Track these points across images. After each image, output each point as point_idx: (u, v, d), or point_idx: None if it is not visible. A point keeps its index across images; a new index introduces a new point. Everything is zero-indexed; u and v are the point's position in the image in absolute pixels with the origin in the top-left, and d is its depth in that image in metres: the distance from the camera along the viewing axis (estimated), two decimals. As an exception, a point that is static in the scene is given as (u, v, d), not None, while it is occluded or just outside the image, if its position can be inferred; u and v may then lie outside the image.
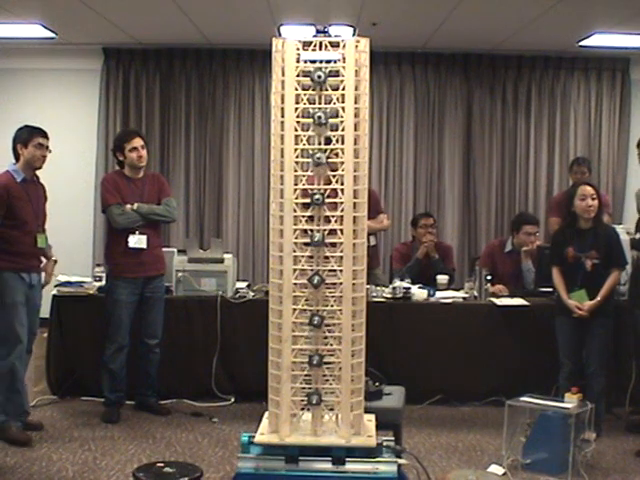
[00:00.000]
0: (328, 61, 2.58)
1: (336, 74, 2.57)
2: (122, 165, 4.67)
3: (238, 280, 5.38)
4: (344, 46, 2.56)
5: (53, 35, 6.78)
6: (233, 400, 4.90)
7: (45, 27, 6.55)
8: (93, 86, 7.37)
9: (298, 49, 2.57)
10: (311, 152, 2.59)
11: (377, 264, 5.84)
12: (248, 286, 5.22)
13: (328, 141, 2.60)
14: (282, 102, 2.59)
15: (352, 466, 2.58)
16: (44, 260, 4.35)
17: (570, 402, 3.79)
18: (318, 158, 2.56)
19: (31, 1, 5.85)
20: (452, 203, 7.47)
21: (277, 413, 2.64)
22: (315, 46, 2.57)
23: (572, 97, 7.44)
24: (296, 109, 2.58)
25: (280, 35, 6.49)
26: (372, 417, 2.81)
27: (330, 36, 2.59)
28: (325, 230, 2.59)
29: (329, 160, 2.60)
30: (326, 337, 2.63)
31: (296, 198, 2.59)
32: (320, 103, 2.58)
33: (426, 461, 3.59)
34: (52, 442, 4.10)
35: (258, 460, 2.62)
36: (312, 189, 2.59)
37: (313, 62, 2.58)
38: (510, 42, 6.89)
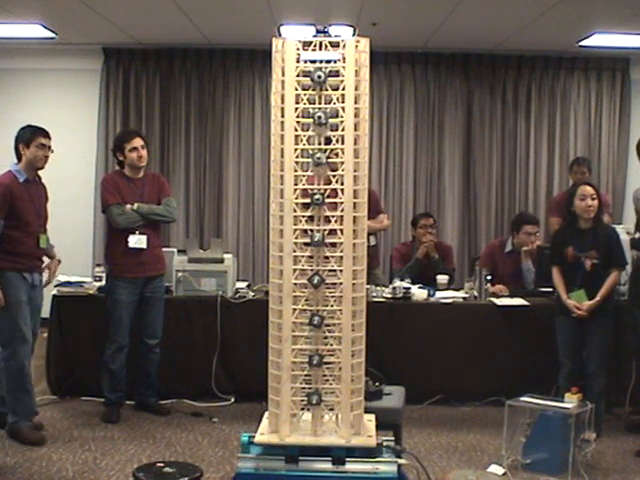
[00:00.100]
0: (328, 61, 2.58)
1: (336, 74, 2.57)
2: (122, 165, 4.67)
3: (238, 280, 5.38)
4: (344, 46, 2.56)
5: (53, 35, 6.78)
6: (233, 400, 4.90)
7: (45, 27, 6.55)
8: (93, 86, 7.37)
9: (298, 49, 2.57)
10: (311, 152, 2.59)
11: (377, 264, 5.85)
12: (248, 286, 5.22)
13: (328, 141, 2.60)
14: (282, 102, 2.59)
15: (352, 466, 2.58)
16: (47, 260, 4.35)
17: (570, 402, 3.79)
18: (318, 158, 2.57)
19: (31, 1, 5.85)
20: (452, 203, 7.47)
21: (277, 413, 2.64)
22: (315, 46, 2.57)
23: (572, 97, 7.43)
24: (296, 109, 2.58)
25: (280, 35, 6.49)
26: (372, 417, 2.81)
27: (330, 36, 2.59)
28: (325, 230, 2.59)
29: (329, 160, 2.60)
30: (326, 337, 2.63)
31: (296, 198, 2.59)
32: (320, 103, 2.58)
33: (426, 461, 3.59)
34: (52, 442, 4.09)
35: (258, 460, 2.62)
36: (312, 189, 2.59)
37: (313, 62, 2.58)
38: (510, 42, 6.89)
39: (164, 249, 4.90)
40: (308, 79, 2.57)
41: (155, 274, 4.67)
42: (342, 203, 2.58)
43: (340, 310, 2.60)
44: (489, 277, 5.11)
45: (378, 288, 5.04)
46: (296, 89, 2.57)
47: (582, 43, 6.85)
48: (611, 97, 7.44)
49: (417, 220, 5.84)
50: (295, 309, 2.60)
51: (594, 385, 4.24)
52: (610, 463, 3.93)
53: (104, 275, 4.91)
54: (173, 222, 5.16)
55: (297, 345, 2.62)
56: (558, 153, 7.45)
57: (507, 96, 7.44)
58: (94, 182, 7.16)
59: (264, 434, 2.67)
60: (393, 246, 6.77)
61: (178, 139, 7.41)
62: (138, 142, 4.60)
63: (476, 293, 5.13)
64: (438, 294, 5.08)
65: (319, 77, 2.55)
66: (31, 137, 4.11)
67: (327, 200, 2.59)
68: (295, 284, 2.60)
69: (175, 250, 5.16)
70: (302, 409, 2.68)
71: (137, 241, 4.53)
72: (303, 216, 2.60)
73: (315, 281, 2.57)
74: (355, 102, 2.57)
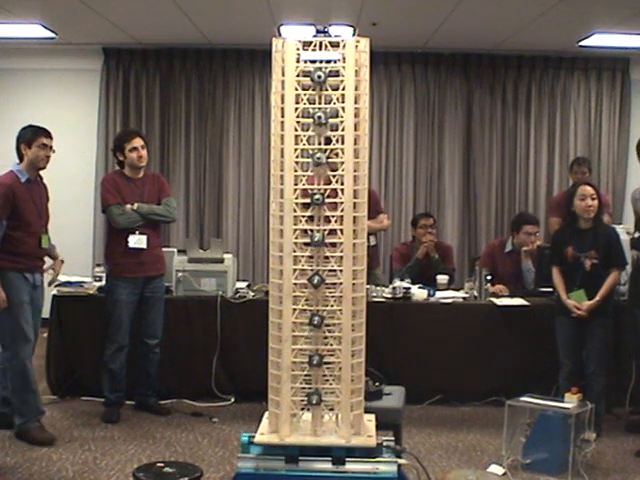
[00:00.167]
0: (328, 61, 2.58)
1: (336, 74, 2.57)
2: (122, 165, 4.67)
3: (238, 280, 5.38)
4: (344, 46, 2.56)
5: (53, 35, 6.78)
6: (233, 400, 4.90)
7: (45, 27, 6.56)
8: (93, 86, 7.38)
9: (298, 49, 2.57)
10: (311, 152, 2.59)
11: (377, 264, 5.85)
12: (248, 286, 5.22)
13: (328, 141, 2.60)
14: (282, 102, 2.59)
15: (352, 466, 2.58)
16: (49, 260, 4.35)
17: (570, 402, 3.79)
18: (318, 158, 2.57)
19: (31, 1, 5.85)
20: (452, 203, 7.47)
21: (277, 413, 2.64)
22: (315, 46, 2.57)
23: (572, 97, 7.44)
24: (296, 109, 2.58)
25: (280, 35, 6.49)
26: (372, 417, 2.81)
27: (330, 36, 2.59)
28: (325, 230, 2.59)
29: (329, 160, 2.60)
30: (326, 337, 2.63)
31: (296, 198, 2.59)
32: (320, 103, 2.58)
33: (426, 461, 3.59)
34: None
35: (258, 460, 2.62)
36: (312, 189, 2.59)
37: (313, 62, 2.58)
38: (510, 42, 6.89)
39: (164, 249, 4.90)
40: (308, 79, 2.57)
41: (155, 274, 4.67)
42: (342, 203, 2.58)
43: (340, 310, 2.60)
44: (489, 277, 5.11)
45: (378, 288, 5.04)
46: (296, 89, 2.57)
47: (582, 43, 6.85)
48: (611, 97, 7.44)
49: (417, 220, 5.84)
50: (295, 309, 2.60)
51: (594, 385, 4.24)
52: (610, 463, 3.93)
53: (104, 275, 4.91)
54: (173, 222, 5.16)
55: (297, 345, 2.62)
56: (558, 153, 7.45)
57: (507, 96, 7.44)
58: (94, 182, 7.17)
59: (264, 434, 2.67)
60: (393, 246, 6.78)
61: (178, 139, 7.42)
62: (138, 142, 4.60)
63: (476, 293, 5.13)
64: (438, 294, 5.08)
65: (319, 77, 2.55)
66: (33, 137, 4.09)
67: (327, 200, 2.59)
68: (295, 284, 2.60)
69: (175, 250, 5.16)
70: (302, 409, 2.68)
71: (137, 241, 4.52)
72: (303, 216, 2.60)
73: (315, 281, 2.57)
74: (355, 102, 2.57)
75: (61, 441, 4.12)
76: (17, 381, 4.04)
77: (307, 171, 2.60)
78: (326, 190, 2.60)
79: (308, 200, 2.58)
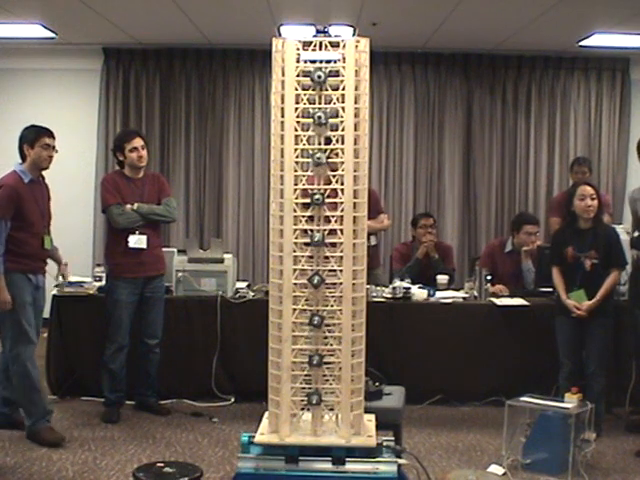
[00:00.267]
0: (328, 61, 2.58)
1: (336, 74, 2.57)
2: (122, 165, 4.67)
3: (238, 280, 5.38)
4: (344, 46, 2.56)
5: (53, 35, 6.78)
6: (233, 400, 4.90)
7: (45, 27, 6.56)
8: (93, 86, 7.37)
9: (298, 49, 2.57)
10: (311, 152, 2.59)
11: (377, 264, 5.84)
12: (248, 286, 5.22)
13: (328, 141, 2.60)
14: (282, 102, 2.59)
15: (352, 466, 2.58)
16: (53, 265, 4.34)
17: (570, 402, 3.79)
18: (318, 158, 2.57)
19: (31, 1, 5.85)
20: (452, 203, 7.47)
21: (277, 413, 2.64)
22: (315, 46, 2.57)
23: (572, 97, 7.44)
24: (296, 109, 2.58)
25: (280, 35, 6.49)
26: (372, 417, 2.81)
27: (330, 36, 2.59)
28: (325, 230, 2.59)
29: (329, 160, 2.60)
30: (326, 337, 2.63)
31: (296, 198, 2.59)
32: (320, 103, 2.58)
33: (426, 461, 3.59)
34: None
35: (258, 460, 2.62)
36: (312, 189, 2.59)
37: (313, 62, 2.58)
38: (510, 42, 6.89)
39: (164, 249, 4.90)
40: (308, 79, 2.57)
41: (155, 274, 4.67)
42: (342, 203, 2.58)
43: (340, 310, 2.60)
44: (489, 277, 5.11)
45: (378, 288, 5.04)
46: (296, 89, 2.57)
47: (582, 43, 6.85)
48: (611, 97, 7.44)
49: (417, 220, 5.84)
50: (295, 309, 2.60)
51: (594, 385, 4.23)
52: (610, 463, 3.93)
53: (104, 275, 4.91)
54: (173, 222, 5.16)
55: (297, 345, 2.62)
56: (558, 153, 7.45)
57: (507, 96, 7.44)
58: (94, 182, 7.17)
59: (264, 434, 2.67)
60: (393, 246, 6.78)
61: (178, 139, 7.41)
62: (138, 142, 4.60)
63: (476, 293, 5.12)
64: (438, 294, 5.08)
65: (319, 77, 2.55)
66: (35, 137, 4.08)
67: (327, 200, 2.59)
68: (295, 284, 2.60)
69: (175, 250, 5.16)
70: (302, 409, 2.68)
71: (137, 241, 4.52)
72: (303, 216, 2.60)
73: (315, 281, 2.57)
74: (355, 102, 2.57)
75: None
76: (21, 382, 4.04)
77: (307, 171, 2.61)
78: (326, 190, 2.60)
79: (308, 200, 2.58)
